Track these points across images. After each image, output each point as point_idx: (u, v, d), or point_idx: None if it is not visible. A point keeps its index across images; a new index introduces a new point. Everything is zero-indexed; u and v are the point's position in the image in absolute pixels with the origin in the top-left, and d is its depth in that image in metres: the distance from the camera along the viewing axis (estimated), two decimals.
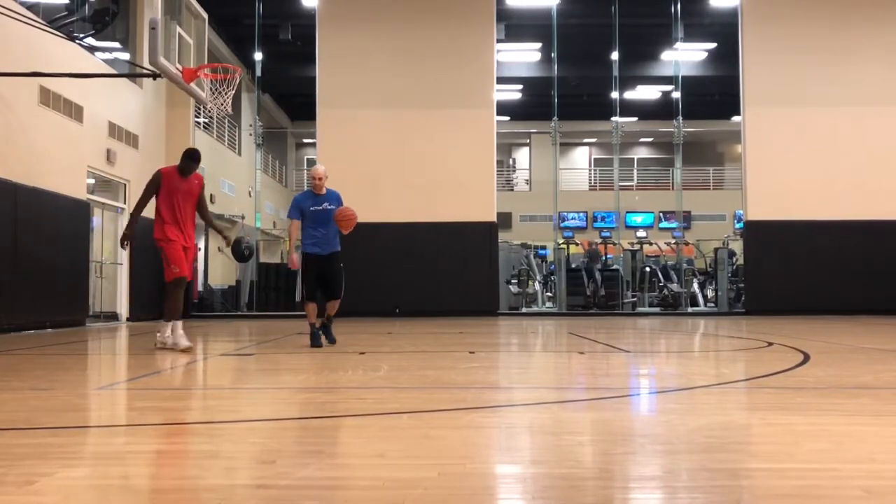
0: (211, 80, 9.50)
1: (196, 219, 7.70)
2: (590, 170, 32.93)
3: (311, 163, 29.31)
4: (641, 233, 27.35)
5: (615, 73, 19.35)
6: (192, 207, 7.55)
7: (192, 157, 7.53)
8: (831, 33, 17.00)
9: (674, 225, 24.95)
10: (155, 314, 15.56)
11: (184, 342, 7.30)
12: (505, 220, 24.01)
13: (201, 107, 13.00)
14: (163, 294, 7.68)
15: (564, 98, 19.91)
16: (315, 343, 7.70)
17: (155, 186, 7.41)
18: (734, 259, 19.44)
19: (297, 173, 31.72)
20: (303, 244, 7.79)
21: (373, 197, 16.31)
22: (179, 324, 7.37)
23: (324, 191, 7.87)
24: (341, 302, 7.93)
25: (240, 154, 24.29)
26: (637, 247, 19.82)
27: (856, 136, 16.81)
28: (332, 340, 7.94)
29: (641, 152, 33.43)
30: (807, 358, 6.35)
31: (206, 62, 10.05)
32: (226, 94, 9.42)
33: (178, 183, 7.43)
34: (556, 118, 18.11)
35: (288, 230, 8.15)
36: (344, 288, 7.90)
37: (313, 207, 7.77)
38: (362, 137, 16.48)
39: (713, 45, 21.71)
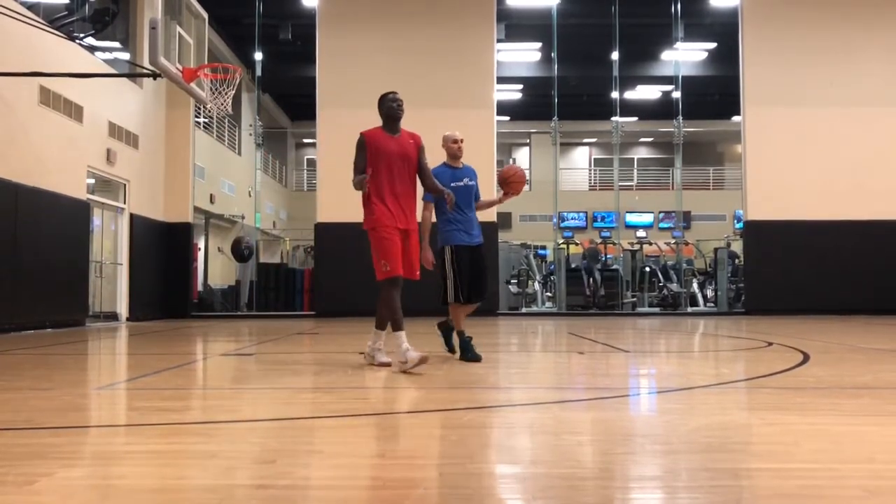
0: (211, 80, 9.51)
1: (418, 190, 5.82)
2: (590, 170, 32.95)
3: (311, 163, 29.44)
4: (641, 233, 27.36)
5: (615, 73, 19.35)
6: (411, 176, 5.73)
7: (392, 103, 5.72)
8: (831, 33, 17.01)
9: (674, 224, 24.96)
10: (155, 314, 15.58)
11: (381, 357, 5.75)
12: (505, 220, 24.02)
13: (201, 107, 13.02)
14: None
15: (564, 98, 19.91)
16: (472, 356, 6.01)
17: (364, 150, 5.64)
18: (736, 260, 19.44)
19: (296, 173, 31.74)
20: (443, 233, 6.22)
21: None
22: (382, 334, 5.79)
23: (461, 163, 6.45)
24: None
25: (240, 154, 24.30)
26: (637, 247, 19.82)
27: (856, 137, 16.81)
28: (476, 357, 6.02)
29: (641, 152, 33.44)
30: (807, 358, 6.34)
31: (206, 62, 10.06)
32: (226, 93, 9.43)
33: (387, 145, 5.65)
34: (556, 118, 18.11)
35: (422, 216, 6.15)
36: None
37: (454, 183, 6.19)
38: None
39: (713, 45, 21.72)
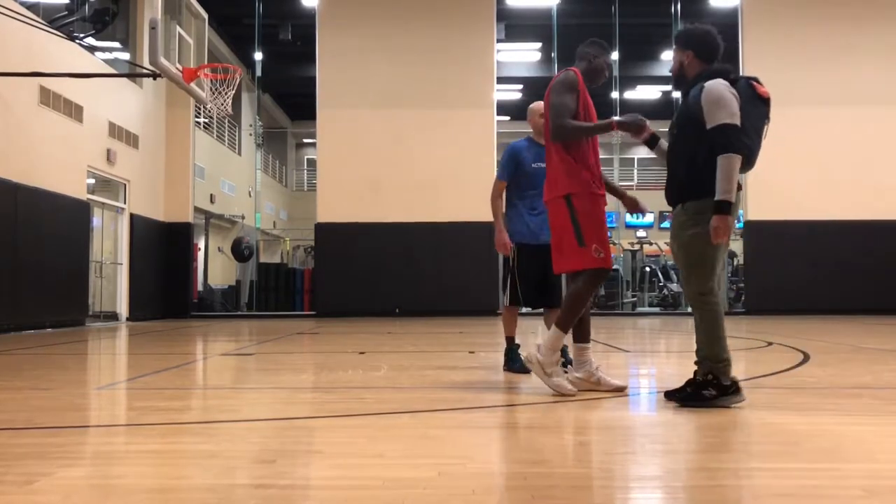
0: (211, 80, 9.51)
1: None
2: None
3: (312, 163, 29.46)
4: (641, 233, 27.35)
5: (615, 73, 19.35)
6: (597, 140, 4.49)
7: (605, 63, 4.50)
8: (831, 33, 17.00)
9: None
10: (155, 314, 15.58)
11: (608, 379, 4.37)
12: None
13: (201, 107, 13.01)
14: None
15: None
16: (513, 366, 5.26)
17: (575, 92, 4.30)
18: (736, 260, 19.44)
19: (297, 173, 31.72)
20: (510, 221, 5.31)
21: (373, 197, 16.33)
22: (588, 347, 4.41)
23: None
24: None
25: (240, 154, 24.30)
26: (637, 247, 19.82)
27: (856, 136, 16.81)
28: (524, 368, 4.87)
29: (641, 152, 33.44)
30: (807, 358, 6.35)
31: (206, 62, 10.06)
32: (226, 94, 9.44)
33: (589, 98, 4.41)
34: None
35: (491, 197, 5.37)
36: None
37: (536, 164, 5.09)
38: (362, 137, 16.48)
39: None
